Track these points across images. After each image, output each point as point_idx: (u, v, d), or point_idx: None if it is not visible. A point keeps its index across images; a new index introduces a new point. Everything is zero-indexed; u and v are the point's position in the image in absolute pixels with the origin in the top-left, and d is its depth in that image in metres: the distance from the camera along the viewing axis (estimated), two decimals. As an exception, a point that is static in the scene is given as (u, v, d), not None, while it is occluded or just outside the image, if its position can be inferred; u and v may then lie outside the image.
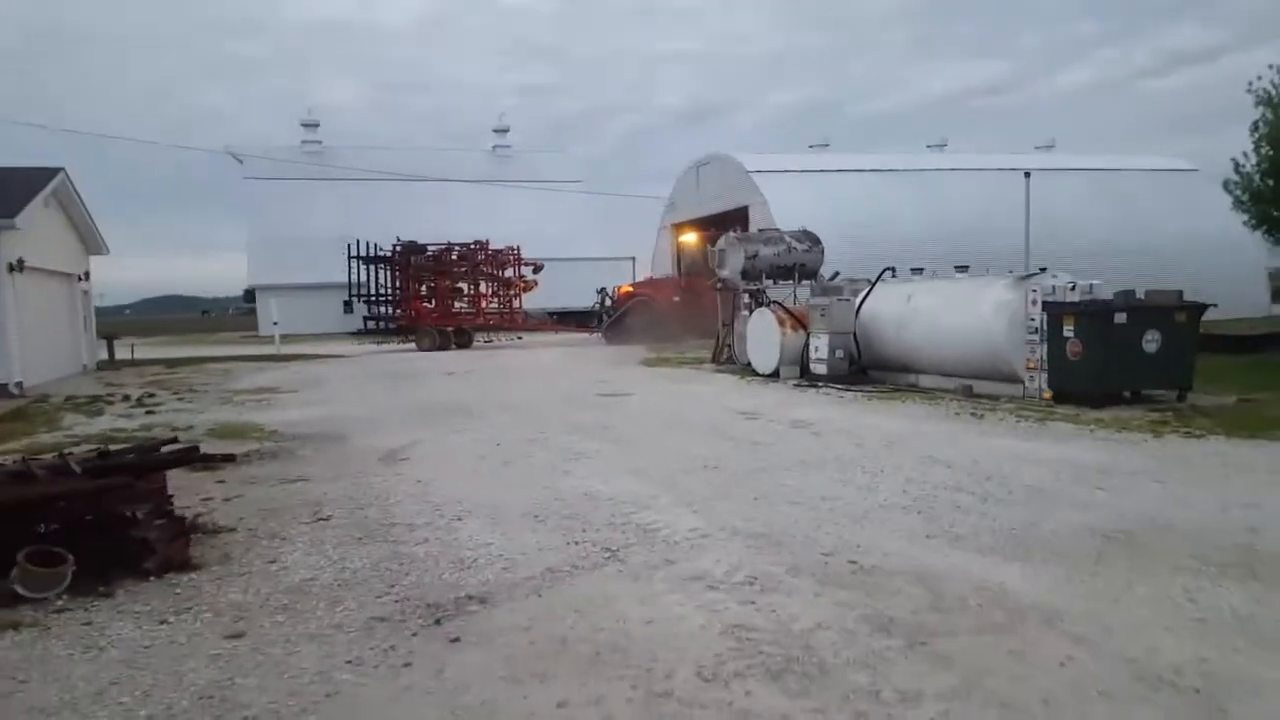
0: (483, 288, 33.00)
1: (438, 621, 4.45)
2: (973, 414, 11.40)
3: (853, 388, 14.81)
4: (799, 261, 20.40)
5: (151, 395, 17.06)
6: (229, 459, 6.89)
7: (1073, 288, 12.65)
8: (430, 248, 32.49)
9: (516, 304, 33.44)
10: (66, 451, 6.72)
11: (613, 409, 13.28)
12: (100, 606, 4.78)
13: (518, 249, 33.34)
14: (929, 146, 42.48)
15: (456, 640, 4.22)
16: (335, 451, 10.09)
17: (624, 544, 5.79)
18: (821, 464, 8.41)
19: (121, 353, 27.92)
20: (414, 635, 4.30)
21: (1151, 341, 11.69)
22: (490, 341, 34.38)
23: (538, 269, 33.42)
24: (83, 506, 5.26)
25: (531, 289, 33.46)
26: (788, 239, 20.60)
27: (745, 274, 19.85)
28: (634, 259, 45.56)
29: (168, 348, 37.20)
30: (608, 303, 34.32)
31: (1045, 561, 5.28)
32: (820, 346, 16.08)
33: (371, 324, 33.82)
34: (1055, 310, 12.15)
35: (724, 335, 21.00)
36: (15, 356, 17.47)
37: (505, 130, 59.83)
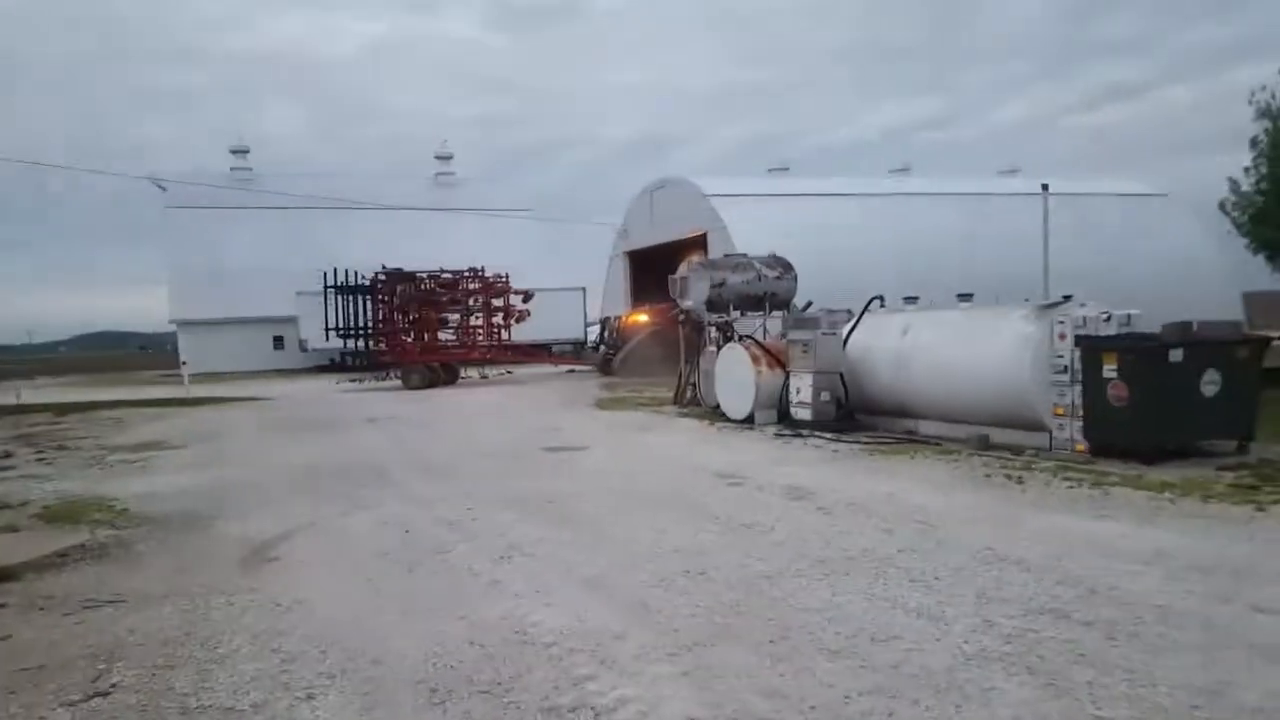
0: (473, 320, 30.65)
1: None
2: (1008, 476, 9.19)
3: (844, 437, 12.60)
4: (770, 290, 18.31)
5: (9, 454, 14.22)
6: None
7: (1107, 318, 10.65)
8: (419, 275, 29.94)
9: (506, 336, 31.05)
10: None
11: (562, 471, 10.87)
12: None
13: (506, 276, 30.95)
14: (892, 171, 40.99)
15: None
16: (187, 546, 7.55)
17: (572, 768, 3.39)
18: (846, 565, 6.10)
19: (7, 397, 24.75)
20: None
21: (1211, 383, 9.71)
22: (486, 378, 31.73)
23: (528, 298, 31.14)
24: None
25: (524, 319, 31.11)
26: (757, 266, 18.49)
27: (711, 304, 17.68)
28: (584, 289, 43.31)
29: (73, 390, 33.82)
30: (611, 334, 32.11)
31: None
32: (803, 388, 13.89)
33: (347, 359, 31.15)
34: (1092, 346, 10.11)
35: (687, 373, 18.75)
36: None
37: (448, 157, 57.17)
